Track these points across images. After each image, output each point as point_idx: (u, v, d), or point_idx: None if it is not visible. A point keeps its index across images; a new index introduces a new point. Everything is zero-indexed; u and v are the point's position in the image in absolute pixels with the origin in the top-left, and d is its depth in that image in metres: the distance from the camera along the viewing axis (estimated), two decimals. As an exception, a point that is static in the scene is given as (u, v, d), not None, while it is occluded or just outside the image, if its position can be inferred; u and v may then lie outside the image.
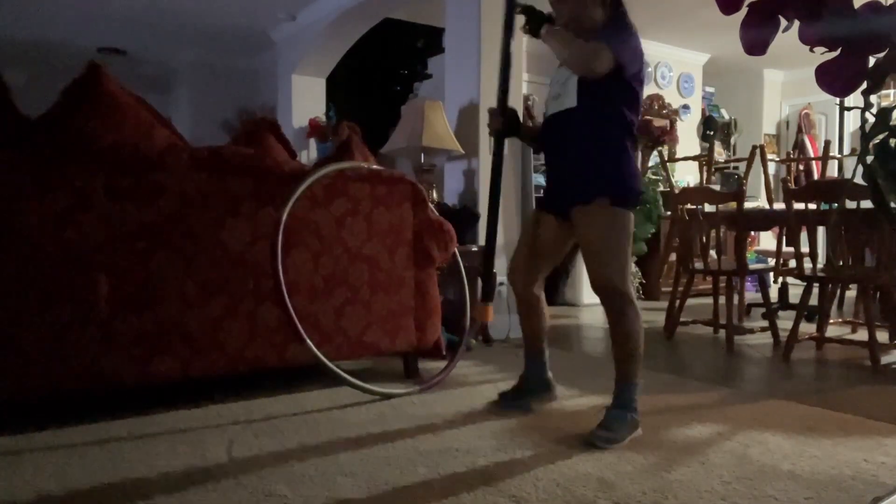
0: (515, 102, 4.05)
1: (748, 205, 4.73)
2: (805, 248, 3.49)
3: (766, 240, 6.71)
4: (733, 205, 3.77)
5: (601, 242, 2.04)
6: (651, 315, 4.89)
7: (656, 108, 6.82)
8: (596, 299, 2.11)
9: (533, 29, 2.16)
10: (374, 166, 2.67)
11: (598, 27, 2.07)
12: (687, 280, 3.92)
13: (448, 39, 4.35)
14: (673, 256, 4.71)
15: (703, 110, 7.45)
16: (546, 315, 2.37)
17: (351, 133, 2.76)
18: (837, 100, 6.40)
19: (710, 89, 7.73)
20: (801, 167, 7.15)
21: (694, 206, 3.87)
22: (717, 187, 6.06)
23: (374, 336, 2.64)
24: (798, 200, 3.44)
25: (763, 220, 4.47)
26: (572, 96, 2.07)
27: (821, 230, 4.08)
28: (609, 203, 2.02)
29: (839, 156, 6.39)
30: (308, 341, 2.25)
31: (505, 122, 2.27)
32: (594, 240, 2.06)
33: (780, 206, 4.17)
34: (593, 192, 2.04)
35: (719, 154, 7.26)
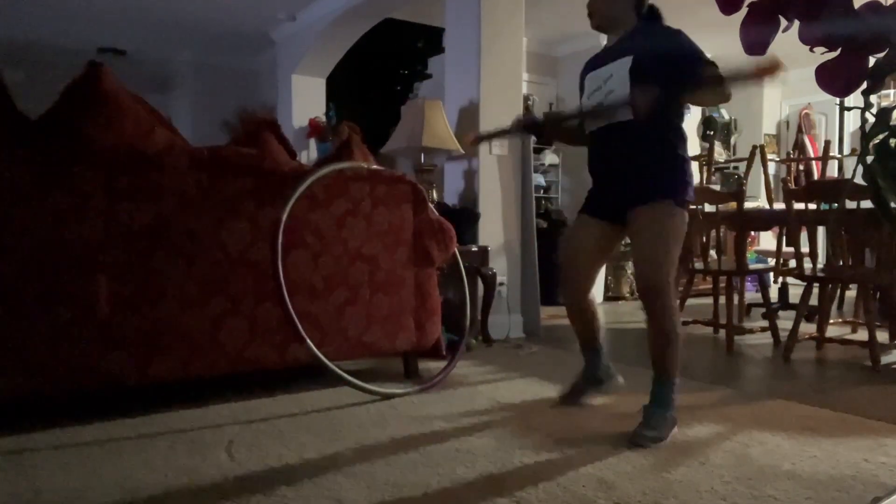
0: (515, 103, 4.08)
1: (748, 205, 4.72)
2: (805, 248, 3.49)
3: (766, 240, 6.70)
4: (733, 205, 3.77)
5: (657, 243, 2.05)
6: (651, 315, 4.88)
7: (656, 108, 6.79)
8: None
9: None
10: (374, 166, 2.67)
11: (630, 28, 2.15)
12: (687, 280, 3.92)
13: (448, 39, 4.35)
14: (673, 256, 4.69)
15: (703, 110, 7.45)
16: (598, 316, 2.38)
17: (351, 133, 2.76)
18: (837, 100, 6.40)
19: (710, 89, 7.71)
20: (801, 167, 7.14)
21: (694, 206, 3.87)
22: (717, 187, 6.06)
23: (374, 336, 2.64)
24: (798, 200, 3.44)
25: (763, 220, 4.47)
26: (627, 109, 2.04)
27: (821, 230, 4.08)
28: (673, 204, 2.07)
29: (839, 156, 6.38)
30: (308, 341, 2.25)
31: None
32: (650, 239, 2.07)
33: (780, 206, 4.17)
34: (656, 194, 2.08)
35: (719, 154, 7.26)
